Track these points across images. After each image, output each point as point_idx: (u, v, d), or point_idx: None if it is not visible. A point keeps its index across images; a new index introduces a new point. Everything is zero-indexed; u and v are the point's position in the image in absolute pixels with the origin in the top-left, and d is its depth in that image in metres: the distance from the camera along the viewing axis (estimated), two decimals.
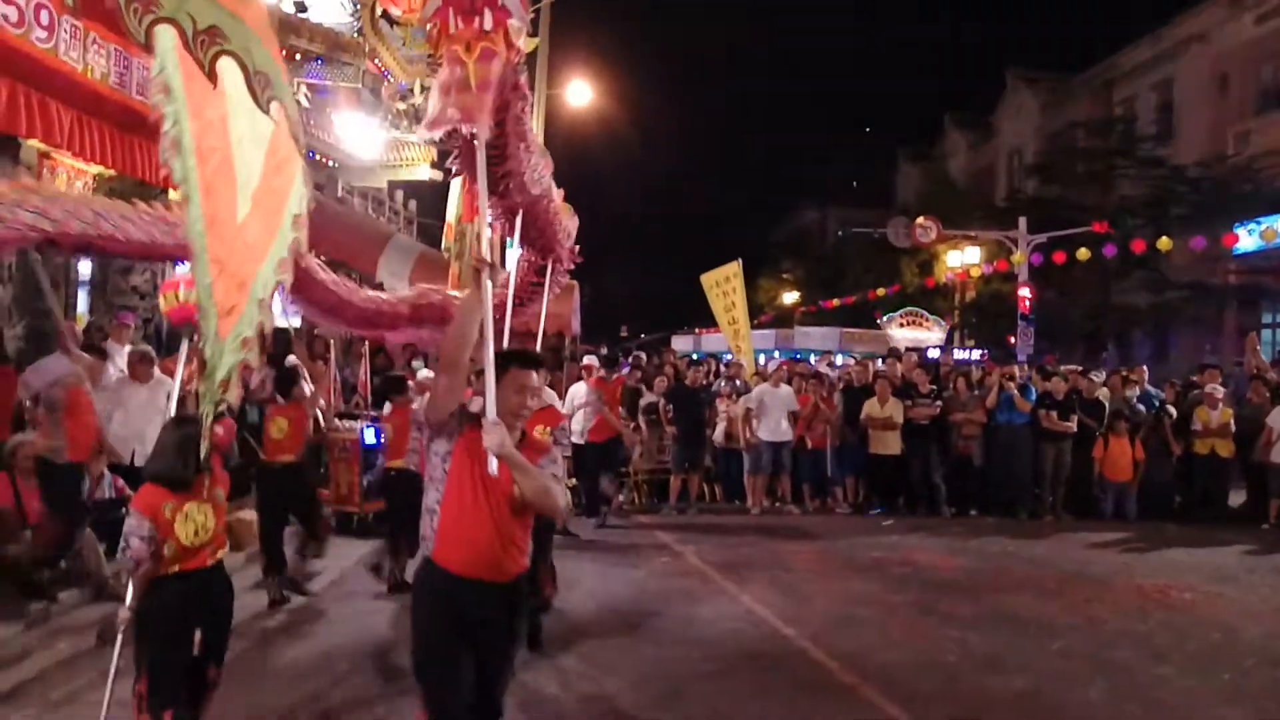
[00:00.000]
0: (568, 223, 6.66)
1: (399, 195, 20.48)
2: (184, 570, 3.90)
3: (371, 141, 15.76)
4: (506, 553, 3.34)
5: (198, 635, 4.03)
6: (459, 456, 3.33)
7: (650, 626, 6.71)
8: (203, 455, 3.87)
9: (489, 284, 3.43)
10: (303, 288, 5.46)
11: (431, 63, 6.10)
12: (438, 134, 3.43)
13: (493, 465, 3.21)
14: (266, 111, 3.79)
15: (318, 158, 13.96)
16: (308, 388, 7.64)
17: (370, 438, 9.64)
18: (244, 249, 3.64)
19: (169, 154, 3.20)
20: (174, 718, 3.78)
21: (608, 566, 8.56)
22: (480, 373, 3.44)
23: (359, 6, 13.41)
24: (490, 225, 5.05)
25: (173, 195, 10.91)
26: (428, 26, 3.54)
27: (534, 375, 3.49)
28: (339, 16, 13.60)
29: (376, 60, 13.80)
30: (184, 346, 4.79)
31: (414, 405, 7.52)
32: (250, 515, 7.92)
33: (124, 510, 5.00)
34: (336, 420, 10.01)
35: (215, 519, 4.02)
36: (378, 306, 6.61)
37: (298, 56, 11.35)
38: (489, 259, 3.43)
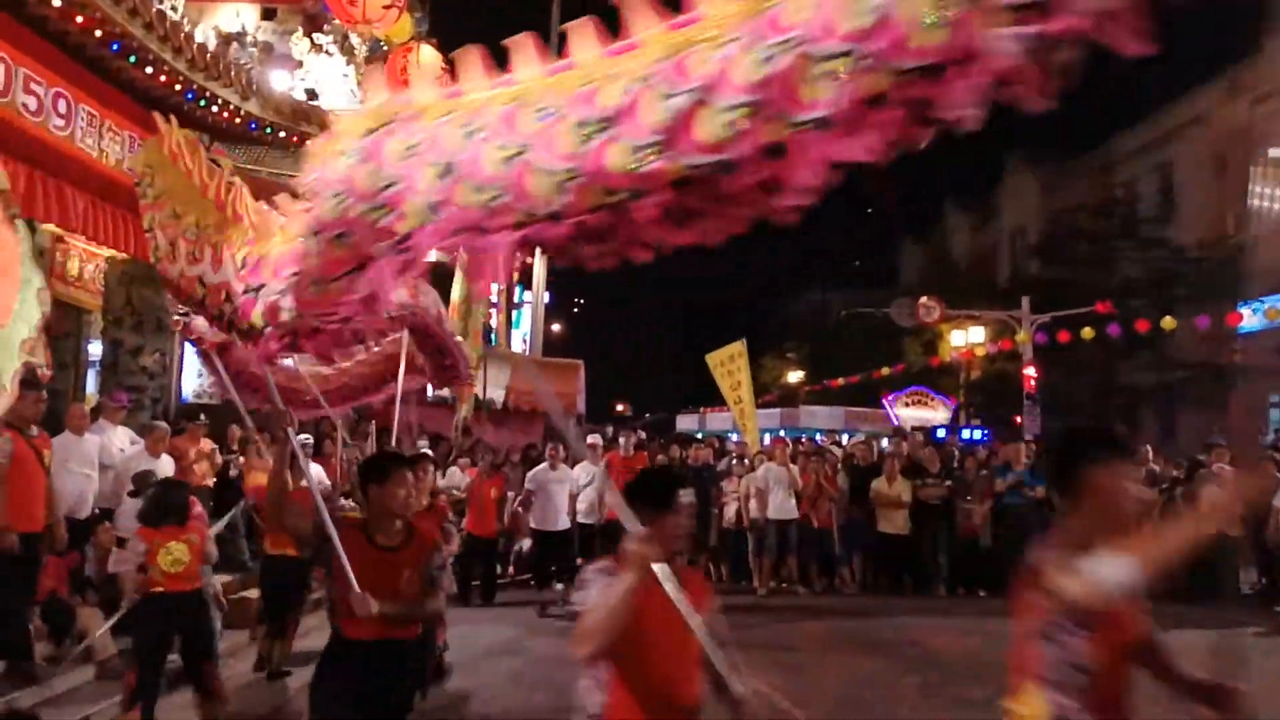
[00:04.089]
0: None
1: None
2: (167, 591, 5.03)
3: None
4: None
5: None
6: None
7: None
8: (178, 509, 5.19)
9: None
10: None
11: None
12: None
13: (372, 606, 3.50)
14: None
15: None
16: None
17: None
18: None
19: None
20: (145, 706, 4.85)
21: None
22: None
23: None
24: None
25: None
26: None
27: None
28: (351, 104, 13.98)
29: None
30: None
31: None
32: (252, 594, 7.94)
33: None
34: (342, 500, 9.97)
35: (190, 555, 5.13)
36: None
37: (309, 143, 11.54)
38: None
